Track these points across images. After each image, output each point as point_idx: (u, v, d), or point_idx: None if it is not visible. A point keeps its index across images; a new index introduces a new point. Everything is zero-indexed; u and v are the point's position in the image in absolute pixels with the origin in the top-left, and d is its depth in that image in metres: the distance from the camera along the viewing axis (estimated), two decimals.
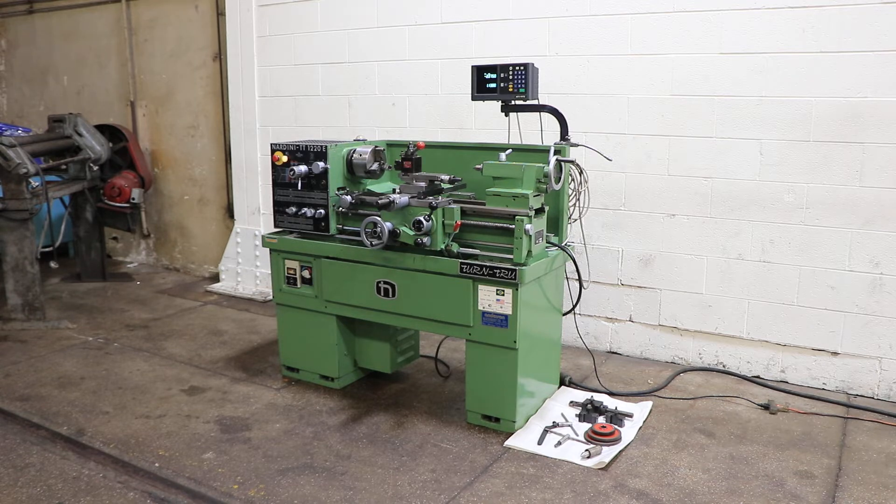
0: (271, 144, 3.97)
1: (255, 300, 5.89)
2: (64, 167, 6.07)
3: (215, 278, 6.46)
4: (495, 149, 3.68)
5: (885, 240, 3.82)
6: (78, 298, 5.92)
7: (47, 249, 5.87)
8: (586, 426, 3.51)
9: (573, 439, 3.41)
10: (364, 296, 3.74)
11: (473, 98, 3.87)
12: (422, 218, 3.38)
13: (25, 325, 5.10)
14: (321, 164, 3.72)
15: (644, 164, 4.36)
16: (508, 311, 3.36)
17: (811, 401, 3.90)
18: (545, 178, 3.35)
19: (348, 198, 3.67)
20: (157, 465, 3.21)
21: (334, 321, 3.93)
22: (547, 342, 3.79)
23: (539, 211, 3.40)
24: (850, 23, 3.71)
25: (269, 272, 4.31)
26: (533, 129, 4.09)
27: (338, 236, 3.85)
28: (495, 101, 3.87)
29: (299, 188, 3.83)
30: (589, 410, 3.65)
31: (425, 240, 3.43)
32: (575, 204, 3.84)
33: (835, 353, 4.02)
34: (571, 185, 3.80)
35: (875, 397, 3.94)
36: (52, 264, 5.73)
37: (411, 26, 4.99)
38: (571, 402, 3.80)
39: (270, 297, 5.51)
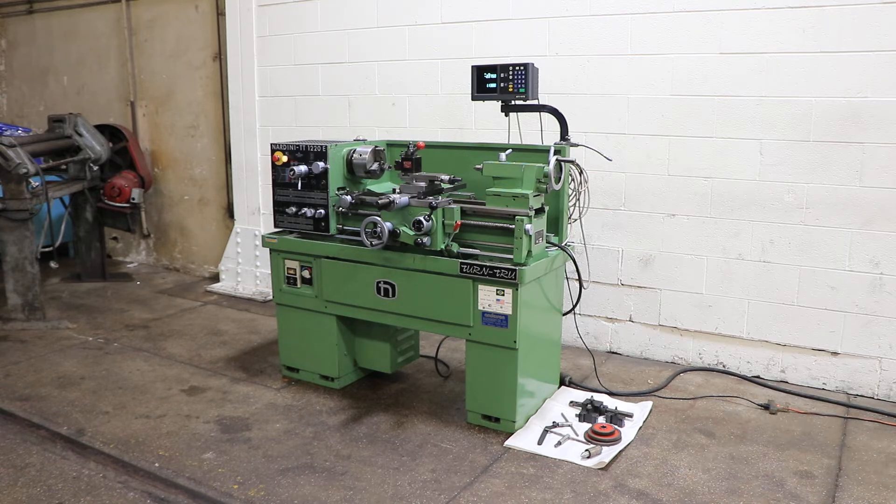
0: (271, 144, 3.97)
1: (255, 300, 5.89)
2: (64, 167, 6.07)
3: (215, 278, 6.46)
4: (495, 149, 3.68)
5: (885, 240, 3.82)
6: (78, 298, 5.92)
7: (47, 249, 5.88)
8: (586, 426, 3.51)
9: (573, 439, 3.41)
10: (364, 296, 3.74)
11: (473, 98, 3.87)
12: (422, 218, 3.38)
13: (25, 325, 5.10)
14: (321, 164, 3.72)
15: (644, 164, 4.36)
16: (508, 311, 3.36)
17: (811, 401, 3.90)
18: (545, 178, 3.35)
19: (348, 198, 3.68)
20: (157, 465, 3.20)
21: (334, 321, 3.93)
22: (547, 342, 3.79)
23: (539, 211, 3.40)
24: (850, 23, 3.71)
25: (269, 272, 4.31)
26: (533, 129, 4.09)
27: (338, 236, 3.85)
28: (495, 101, 3.87)
29: (299, 188, 3.83)
30: (589, 410, 3.65)
31: (425, 240, 3.43)
32: (575, 204, 3.84)
33: (835, 353, 4.02)
34: (571, 185, 3.80)
35: (875, 397, 3.94)
36: (52, 264, 5.73)
37: (411, 26, 4.99)
38: (571, 402, 3.80)
39: (270, 297, 5.51)
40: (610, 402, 3.76)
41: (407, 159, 3.65)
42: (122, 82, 6.91)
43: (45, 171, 5.53)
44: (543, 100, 4.01)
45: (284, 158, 3.86)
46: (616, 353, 4.66)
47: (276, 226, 4.01)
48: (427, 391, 4.03)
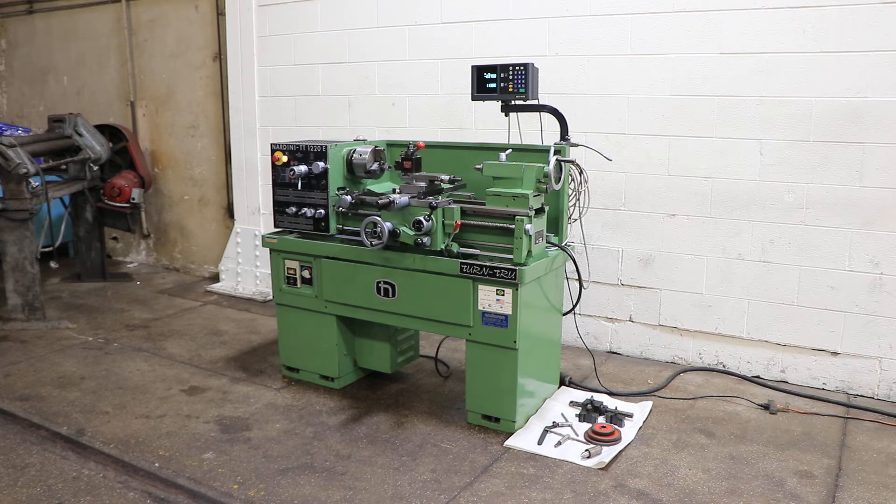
0: (271, 144, 3.97)
1: (255, 300, 5.89)
2: (64, 167, 6.07)
3: (215, 278, 6.46)
4: (495, 149, 3.68)
5: (885, 240, 3.82)
6: (78, 298, 5.92)
7: (47, 249, 5.88)
8: (586, 426, 3.51)
9: (573, 439, 3.41)
10: (364, 296, 3.74)
11: (473, 98, 3.87)
12: (422, 218, 3.38)
13: (25, 325, 5.10)
14: (321, 164, 3.72)
15: (644, 164, 4.36)
16: (508, 311, 3.36)
17: (811, 401, 3.90)
18: (545, 178, 3.36)
19: (348, 198, 3.68)
20: (157, 465, 3.21)
21: (334, 321, 3.93)
22: (547, 342, 3.79)
23: (539, 211, 3.40)
24: (850, 23, 3.71)
25: (269, 272, 4.31)
26: (533, 129, 4.09)
27: (338, 236, 3.85)
28: (495, 101, 3.87)
29: (299, 188, 3.83)
30: (589, 410, 3.65)
31: (425, 240, 3.43)
32: (575, 204, 3.84)
33: (835, 353, 4.02)
34: (571, 185, 3.80)
35: (875, 397, 3.94)
36: (52, 264, 5.73)
37: (411, 26, 4.99)
38: (571, 402, 3.80)
39: (270, 297, 5.51)
40: (610, 402, 3.76)
41: (407, 159, 3.65)
42: (122, 82, 6.91)
43: (45, 171, 5.53)
44: (543, 100, 4.01)
45: (284, 158, 3.86)
46: (616, 353, 4.66)
47: (276, 226, 4.01)
48: (427, 391, 4.03)
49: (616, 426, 3.50)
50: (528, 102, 3.81)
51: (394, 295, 3.64)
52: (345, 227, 3.84)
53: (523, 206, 3.31)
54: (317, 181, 3.80)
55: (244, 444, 3.41)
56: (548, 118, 3.94)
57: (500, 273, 3.31)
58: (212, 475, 3.12)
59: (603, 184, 4.42)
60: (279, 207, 3.96)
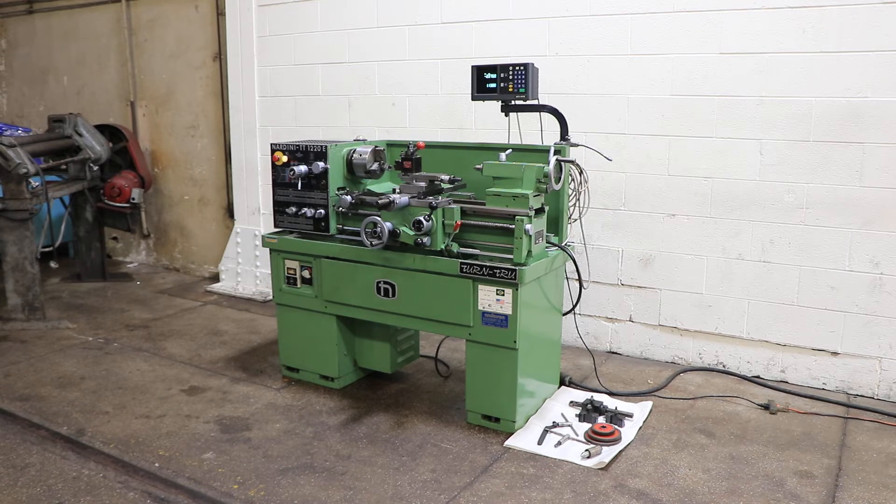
0: (271, 144, 3.97)
1: (255, 300, 5.89)
2: (64, 167, 6.07)
3: (215, 278, 6.46)
4: (495, 149, 3.68)
5: (885, 240, 3.82)
6: (78, 298, 5.92)
7: (47, 249, 5.88)
8: (586, 426, 3.51)
9: (573, 439, 3.41)
10: (364, 296, 3.74)
11: (473, 98, 3.87)
12: (422, 218, 3.38)
13: (25, 325, 5.10)
14: (321, 164, 3.72)
15: (644, 164, 4.36)
16: (508, 311, 3.36)
17: (811, 401, 3.90)
18: (545, 178, 3.36)
19: (348, 198, 3.68)
20: (157, 465, 3.21)
21: (334, 321, 3.93)
22: (547, 342, 3.79)
23: (539, 211, 3.40)
24: (850, 23, 3.71)
25: (269, 272, 4.32)
26: (533, 129, 4.09)
27: (338, 236, 3.85)
28: (495, 101, 3.87)
29: (299, 188, 3.83)
30: (589, 410, 3.65)
31: (425, 240, 3.43)
32: (575, 204, 3.84)
33: (835, 353, 4.02)
34: (571, 185, 3.80)
35: (875, 397, 3.94)
36: (52, 264, 5.73)
37: (411, 26, 4.99)
38: (571, 402, 3.80)
39: (270, 297, 5.51)
40: (610, 402, 3.76)
41: (407, 159, 3.65)
42: (122, 82, 6.91)
43: (45, 171, 5.53)
44: (543, 100, 4.01)
45: (284, 158, 3.86)
46: (616, 353, 4.66)
47: (276, 226, 4.01)
48: (427, 391, 4.04)
49: (616, 426, 3.50)
50: (528, 102, 3.81)
51: (394, 295, 3.64)
52: (345, 227, 3.84)
53: (523, 206, 3.31)
54: (317, 181, 3.80)
55: (244, 444, 3.41)
56: (548, 118, 3.94)
57: (500, 273, 3.31)
58: (212, 475, 3.12)
59: (603, 184, 4.42)
60: (279, 207, 3.96)
